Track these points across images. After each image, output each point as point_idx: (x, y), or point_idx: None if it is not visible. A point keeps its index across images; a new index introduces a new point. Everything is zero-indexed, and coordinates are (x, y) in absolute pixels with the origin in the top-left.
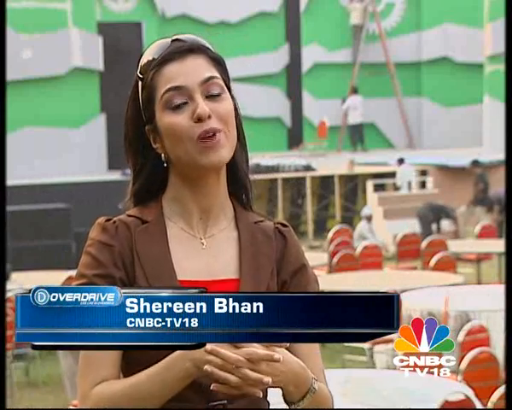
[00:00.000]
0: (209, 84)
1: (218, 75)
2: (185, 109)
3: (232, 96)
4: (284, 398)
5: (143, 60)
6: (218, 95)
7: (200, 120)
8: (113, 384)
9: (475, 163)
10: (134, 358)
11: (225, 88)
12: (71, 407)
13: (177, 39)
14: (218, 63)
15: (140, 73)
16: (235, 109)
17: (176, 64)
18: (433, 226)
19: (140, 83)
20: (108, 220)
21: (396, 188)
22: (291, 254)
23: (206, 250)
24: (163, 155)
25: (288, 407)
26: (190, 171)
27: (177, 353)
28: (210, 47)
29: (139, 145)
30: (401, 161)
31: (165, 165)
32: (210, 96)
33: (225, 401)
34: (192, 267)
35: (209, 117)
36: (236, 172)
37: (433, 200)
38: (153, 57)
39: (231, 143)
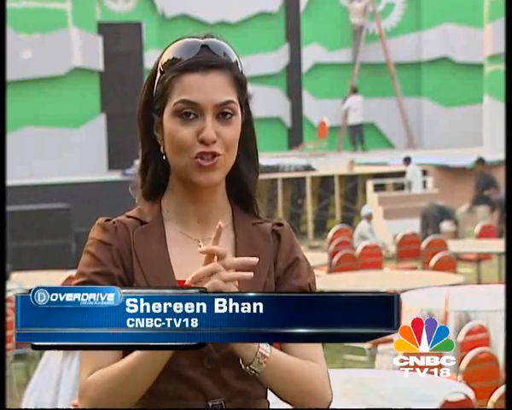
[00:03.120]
0: (224, 107)
1: (235, 99)
2: (193, 124)
3: (249, 111)
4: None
5: (167, 55)
6: (229, 117)
7: (203, 142)
8: (105, 370)
9: (480, 161)
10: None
11: (238, 110)
12: (71, 407)
13: (206, 46)
14: (239, 83)
15: (161, 66)
16: (250, 123)
17: (196, 76)
18: (439, 226)
19: (158, 75)
20: (108, 221)
21: (397, 188)
22: (284, 250)
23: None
24: (162, 147)
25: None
26: (183, 178)
27: None
28: (237, 62)
29: (147, 128)
30: (408, 160)
31: (164, 157)
32: (221, 116)
33: (223, 400)
34: (190, 268)
35: (213, 142)
36: (241, 181)
37: (433, 200)
38: (177, 57)
39: (227, 165)
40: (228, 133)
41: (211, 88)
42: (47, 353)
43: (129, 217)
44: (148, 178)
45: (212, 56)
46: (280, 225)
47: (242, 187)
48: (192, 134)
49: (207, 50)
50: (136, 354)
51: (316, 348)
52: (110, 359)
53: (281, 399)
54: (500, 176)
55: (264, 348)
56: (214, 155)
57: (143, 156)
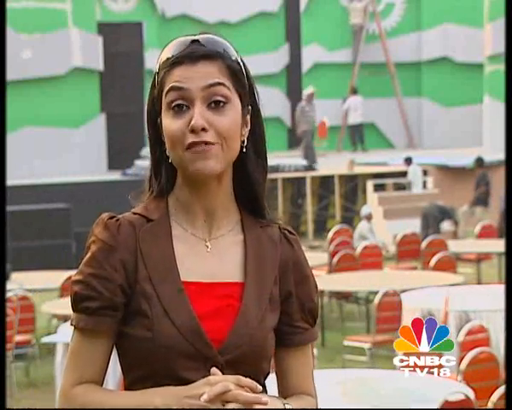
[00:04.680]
0: (212, 90)
1: (226, 83)
2: (184, 115)
3: (253, 107)
4: None
5: (162, 56)
6: (222, 105)
7: (193, 131)
8: (91, 394)
9: (479, 161)
10: (134, 357)
11: (234, 98)
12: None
13: (197, 40)
14: (233, 72)
15: (158, 67)
16: (258, 119)
17: (185, 67)
18: (439, 225)
19: (156, 77)
20: (112, 218)
21: (397, 188)
22: (297, 265)
23: (210, 253)
24: (167, 152)
25: None
26: (185, 174)
27: (154, 389)
28: (230, 53)
29: (154, 135)
30: (409, 161)
31: (170, 160)
32: (212, 105)
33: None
34: (196, 269)
35: (204, 130)
36: (248, 181)
37: (433, 200)
38: (169, 55)
39: (226, 156)
40: (221, 122)
41: (199, 75)
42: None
43: (135, 213)
44: (159, 181)
45: (199, 48)
46: (291, 233)
47: (251, 188)
48: (183, 125)
49: (197, 44)
50: (121, 400)
51: (309, 377)
52: (96, 370)
53: None
54: (500, 176)
55: None
56: (206, 143)
57: (154, 161)
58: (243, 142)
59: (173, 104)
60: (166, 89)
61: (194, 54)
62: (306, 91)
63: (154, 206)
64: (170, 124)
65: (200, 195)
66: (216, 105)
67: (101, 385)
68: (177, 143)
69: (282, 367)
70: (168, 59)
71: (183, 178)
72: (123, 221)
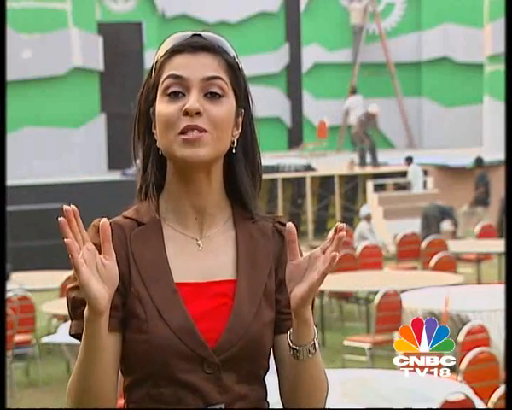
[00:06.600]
0: (211, 83)
1: (224, 78)
2: (180, 100)
3: (247, 112)
4: (295, 344)
5: (161, 48)
6: (218, 97)
7: (187, 114)
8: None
9: (479, 162)
10: (132, 360)
11: (230, 94)
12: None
13: (198, 34)
14: (232, 69)
15: (156, 58)
16: (249, 121)
17: (185, 56)
18: (439, 225)
19: (154, 66)
20: None
21: (398, 188)
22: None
23: (202, 251)
24: (158, 141)
25: (297, 357)
26: (174, 164)
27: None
28: (229, 50)
29: (146, 129)
30: (410, 160)
31: (160, 153)
32: (209, 95)
33: (224, 405)
34: (189, 269)
35: (198, 114)
36: (235, 184)
37: (433, 200)
38: (169, 46)
39: (217, 147)
40: (215, 110)
41: (198, 65)
42: None
43: (126, 217)
44: (146, 177)
45: (201, 40)
46: (282, 224)
47: (238, 191)
48: (177, 109)
49: (199, 37)
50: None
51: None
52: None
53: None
54: (500, 176)
55: (316, 337)
56: (199, 130)
57: (142, 156)
58: (233, 142)
59: (169, 91)
60: (165, 76)
61: (195, 44)
62: (371, 110)
63: (145, 209)
64: (164, 108)
65: (189, 191)
66: (212, 96)
67: (116, 386)
68: (170, 128)
69: (276, 356)
70: (168, 48)
71: (174, 172)
72: (114, 225)
